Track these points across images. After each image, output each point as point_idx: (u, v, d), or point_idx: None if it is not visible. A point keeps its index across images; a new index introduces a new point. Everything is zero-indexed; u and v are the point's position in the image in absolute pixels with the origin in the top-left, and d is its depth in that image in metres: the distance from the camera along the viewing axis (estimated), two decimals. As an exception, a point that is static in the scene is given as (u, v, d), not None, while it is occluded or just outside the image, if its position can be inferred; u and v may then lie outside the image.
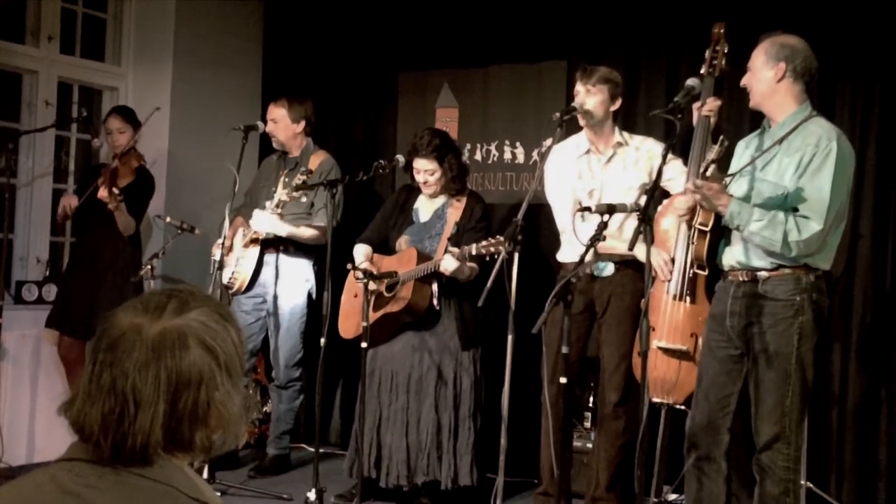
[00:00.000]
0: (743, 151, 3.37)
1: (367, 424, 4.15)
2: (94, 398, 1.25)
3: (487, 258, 3.60)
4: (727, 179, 3.06)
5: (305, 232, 4.66)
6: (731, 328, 3.25)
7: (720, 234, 3.31)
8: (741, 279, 3.21)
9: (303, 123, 4.82)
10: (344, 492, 4.25)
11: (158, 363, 1.25)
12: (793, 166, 3.12)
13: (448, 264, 3.92)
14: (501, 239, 3.39)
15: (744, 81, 3.28)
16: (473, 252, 3.70)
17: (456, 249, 3.85)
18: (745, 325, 3.20)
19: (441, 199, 4.31)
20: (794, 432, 3.15)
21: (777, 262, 3.14)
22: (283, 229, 4.62)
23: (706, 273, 3.44)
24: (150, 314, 1.28)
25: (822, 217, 3.05)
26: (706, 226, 3.21)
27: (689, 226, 3.41)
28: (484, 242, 3.65)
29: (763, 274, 3.16)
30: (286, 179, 4.74)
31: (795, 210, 3.10)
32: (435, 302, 4.13)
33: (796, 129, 3.15)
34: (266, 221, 4.58)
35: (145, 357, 1.25)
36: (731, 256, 3.25)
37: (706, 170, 3.05)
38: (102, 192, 4.52)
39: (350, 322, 4.33)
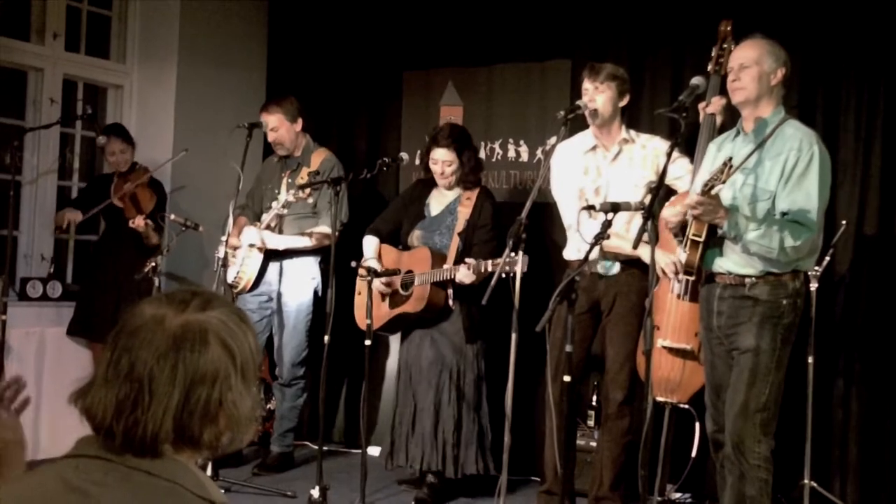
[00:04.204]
0: (715, 154, 3.39)
1: (405, 415, 4.28)
2: (111, 383, 1.26)
3: (503, 275, 3.63)
4: (719, 187, 3.06)
5: (301, 242, 4.67)
6: (717, 327, 3.30)
7: (709, 242, 3.32)
8: (728, 282, 3.26)
9: (300, 120, 4.81)
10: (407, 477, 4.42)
11: (178, 355, 1.26)
12: (777, 170, 3.16)
13: (464, 277, 3.98)
14: (515, 257, 3.43)
15: (738, 77, 3.25)
16: (489, 269, 3.77)
17: (472, 262, 3.92)
18: (731, 324, 3.25)
19: (453, 194, 4.36)
20: (765, 431, 3.19)
21: (766, 270, 3.18)
22: (282, 243, 4.65)
23: (694, 279, 3.46)
24: (174, 307, 1.30)
25: (814, 221, 3.13)
26: (699, 236, 3.25)
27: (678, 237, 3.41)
28: (499, 260, 3.67)
29: (751, 280, 3.21)
30: (289, 181, 4.74)
31: (784, 214, 3.15)
32: (450, 302, 4.20)
33: (774, 132, 3.21)
34: (256, 238, 4.61)
35: (165, 347, 1.26)
36: (720, 265, 3.28)
37: (710, 189, 3.06)
38: (139, 222, 4.64)
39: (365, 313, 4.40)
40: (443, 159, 4.27)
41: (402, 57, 5.34)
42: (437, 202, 4.40)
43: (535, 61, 4.93)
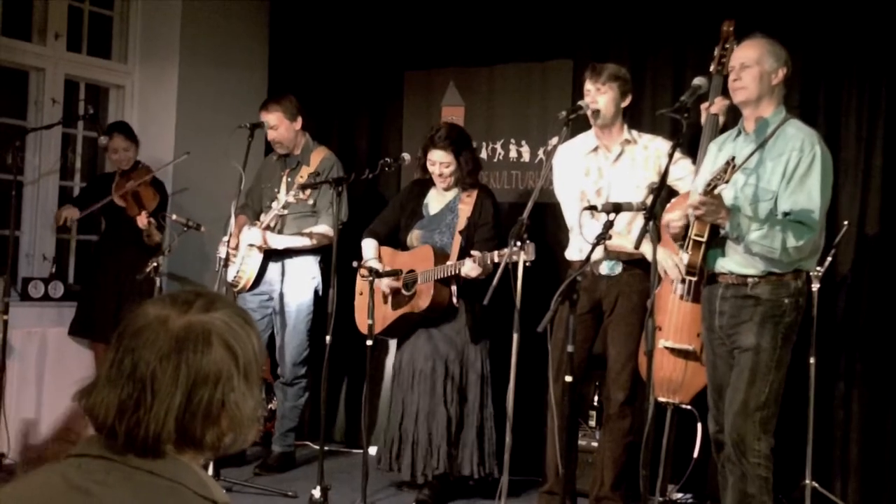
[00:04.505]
0: (716, 153, 3.39)
1: (393, 419, 4.26)
2: (115, 383, 1.26)
3: (508, 267, 3.62)
4: (721, 187, 3.06)
5: (301, 242, 4.67)
6: (719, 327, 3.30)
7: (711, 242, 3.32)
8: (730, 282, 3.26)
9: (299, 119, 4.81)
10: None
11: (180, 355, 1.26)
12: (779, 170, 3.16)
13: (470, 270, 3.96)
14: (522, 246, 3.42)
15: (739, 77, 3.24)
16: (496, 260, 3.74)
17: (478, 254, 3.89)
18: (733, 324, 3.25)
19: (452, 193, 4.34)
20: (765, 429, 3.19)
21: (768, 270, 3.18)
22: (282, 243, 4.65)
23: (696, 279, 3.46)
24: (177, 307, 1.30)
25: (816, 221, 3.14)
26: (702, 237, 3.25)
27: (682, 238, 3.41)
28: (505, 250, 3.65)
29: (753, 280, 3.21)
30: (289, 180, 4.74)
31: (786, 215, 3.15)
32: (455, 300, 4.18)
33: (775, 132, 3.21)
34: (258, 238, 4.61)
35: (169, 347, 1.26)
36: (722, 265, 3.29)
37: (713, 188, 3.06)
38: (143, 220, 4.64)
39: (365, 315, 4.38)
40: (440, 161, 4.24)
41: (403, 57, 5.34)
42: (436, 201, 4.38)
43: (536, 61, 4.93)
